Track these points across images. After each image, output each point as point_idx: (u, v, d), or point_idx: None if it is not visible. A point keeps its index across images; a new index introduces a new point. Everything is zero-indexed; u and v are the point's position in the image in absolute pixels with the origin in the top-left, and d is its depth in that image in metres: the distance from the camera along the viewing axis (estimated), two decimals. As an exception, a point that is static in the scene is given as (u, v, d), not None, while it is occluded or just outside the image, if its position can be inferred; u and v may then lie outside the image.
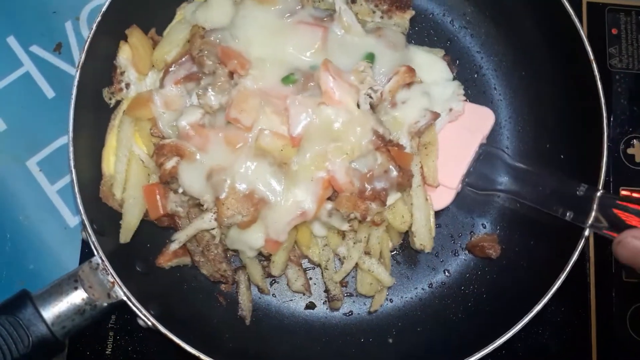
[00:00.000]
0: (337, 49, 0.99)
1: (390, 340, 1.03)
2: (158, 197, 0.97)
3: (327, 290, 1.02)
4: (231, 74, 0.95)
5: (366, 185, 0.91)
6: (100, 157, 1.00)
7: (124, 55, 1.03)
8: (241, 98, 0.92)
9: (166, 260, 1.00)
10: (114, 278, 0.88)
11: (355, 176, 0.91)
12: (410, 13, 1.09)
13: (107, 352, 1.05)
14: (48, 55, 1.20)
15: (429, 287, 1.07)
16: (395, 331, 1.03)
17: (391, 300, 1.06)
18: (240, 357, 0.97)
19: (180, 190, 0.95)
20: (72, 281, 0.87)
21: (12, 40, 1.20)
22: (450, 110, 1.03)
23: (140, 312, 0.88)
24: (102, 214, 0.97)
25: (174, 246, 0.98)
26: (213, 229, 0.97)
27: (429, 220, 1.00)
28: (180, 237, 0.97)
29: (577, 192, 0.89)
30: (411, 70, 0.98)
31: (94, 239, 0.89)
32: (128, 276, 0.90)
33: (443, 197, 1.03)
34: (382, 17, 1.09)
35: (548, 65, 1.06)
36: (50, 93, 1.19)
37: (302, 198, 0.91)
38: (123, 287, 0.88)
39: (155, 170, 0.99)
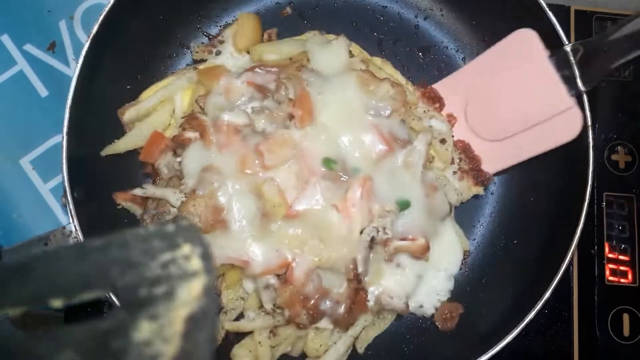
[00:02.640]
0: (387, 172, 0.95)
1: None
2: (159, 148, 0.98)
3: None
4: (291, 116, 0.94)
5: (315, 297, 0.90)
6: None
7: (232, 30, 1.07)
8: (280, 140, 0.92)
9: (123, 197, 0.99)
10: None
11: (313, 282, 0.90)
12: (478, 190, 1.06)
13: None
14: (42, 54, 1.21)
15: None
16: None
17: None
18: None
19: (179, 160, 0.96)
20: (41, 244, 0.88)
21: (6, 39, 1.20)
22: (420, 307, 1.00)
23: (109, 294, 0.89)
24: (86, 185, 0.97)
25: (137, 191, 0.97)
26: (174, 207, 0.97)
27: None
28: (148, 190, 0.97)
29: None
30: (425, 250, 0.95)
31: (72, 206, 0.90)
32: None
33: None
34: (454, 173, 1.05)
35: None
36: (43, 92, 1.19)
37: (257, 253, 0.90)
38: None
39: (173, 127, 1.01)
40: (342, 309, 0.91)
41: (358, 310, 0.94)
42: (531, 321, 0.92)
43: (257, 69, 0.99)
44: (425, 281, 1.00)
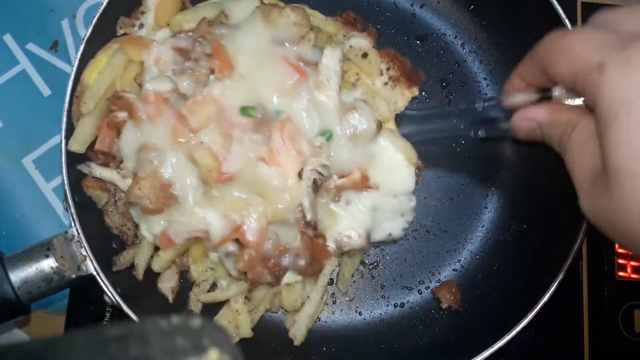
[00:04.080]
0: (306, 103, 0.89)
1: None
2: (111, 132, 0.95)
3: (187, 306, 0.99)
4: (212, 71, 0.91)
5: (273, 255, 0.88)
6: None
7: (153, 3, 1.03)
8: (200, 100, 0.88)
9: (90, 185, 0.96)
10: (87, 252, 0.88)
11: (270, 241, 0.87)
12: (413, 92, 1.03)
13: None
14: (44, 53, 1.21)
15: (400, 306, 1.05)
16: (360, 345, 1.03)
17: (360, 313, 1.05)
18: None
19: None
20: (44, 249, 0.87)
21: (8, 38, 1.21)
22: (389, 235, 0.97)
23: (108, 288, 0.88)
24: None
25: (83, 167, 0.95)
26: (122, 192, 0.95)
27: (313, 318, 0.98)
28: (94, 170, 0.95)
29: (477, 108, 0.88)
30: (365, 181, 0.90)
31: (73, 210, 0.89)
32: (101, 253, 0.91)
33: None
34: (385, 83, 1.02)
35: None
36: (46, 91, 1.19)
37: (211, 221, 0.88)
38: (94, 262, 0.88)
39: None
40: (302, 261, 0.89)
41: (321, 257, 0.92)
42: (541, 317, 0.90)
43: (179, 35, 0.96)
44: (383, 209, 0.95)
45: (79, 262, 0.88)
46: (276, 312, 1.03)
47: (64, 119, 0.94)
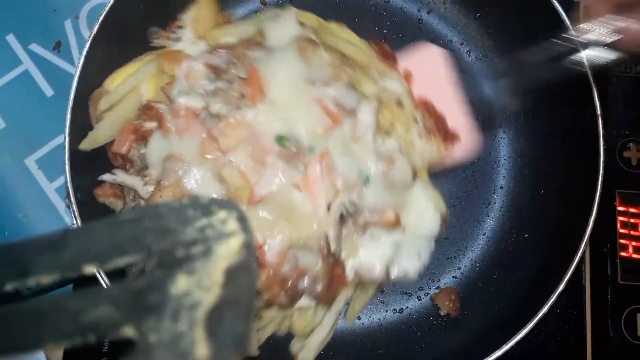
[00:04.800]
0: (340, 144, 0.91)
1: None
2: (131, 139, 0.95)
3: None
4: (243, 95, 0.91)
5: (292, 277, 0.88)
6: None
7: (191, 15, 1.04)
8: (233, 123, 0.89)
9: (103, 193, 0.97)
10: None
11: (288, 263, 0.87)
12: (447, 150, 1.01)
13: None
14: (47, 54, 1.21)
15: (399, 312, 1.05)
16: (358, 350, 1.02)
17: (359, 318, 1.04)
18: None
19: (143, 150, 0.94)
20: None
21: (11, 39, 1.20)
22: (405, 274, 0.97)
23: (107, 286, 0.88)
24: (88, 186, 0.97)
25: (106, 176, 0.95)
26: (142, 199, 0.95)
27: (322, 344, 0.97)
28: (118, 177, 0.95)
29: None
30: (395, 222, 0.92)
31: (75, 207, 0.90)
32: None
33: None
34: (420, 135, 0.99)
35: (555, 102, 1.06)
36: (49, 91, 1.19)
37: None
38: None
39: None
40: (320, 286, 0.89)
41: (337, 285, 0.92)
42: (544, 321, 0.90)
43: (215, 51, 0.96)
44: (404, 248, 0.96)
45: None
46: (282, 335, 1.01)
47: (67, 119, 0.93)
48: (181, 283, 0.39)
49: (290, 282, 0.88)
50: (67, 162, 0.92)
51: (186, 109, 0.90)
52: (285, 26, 0.98)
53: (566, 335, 1.08)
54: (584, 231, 0.93)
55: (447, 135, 1.01)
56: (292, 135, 0.90)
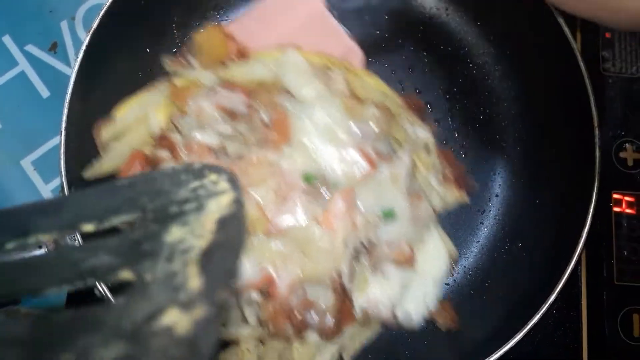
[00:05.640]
0: (371, 185, 0.91)
1: None
2: (139, 167, 0.95)
3: None
4: (265, 140, 0.90)
5: (300, 310, 0.87)
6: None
7: (196, 40, 1.02)
8: (255, 164, 0.88)
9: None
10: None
11: (297, 296, 0.86)
12: (463, 197, 1.04)
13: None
14: (43, 55, 1.20)
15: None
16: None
17: None
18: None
19: None
20: (36, 246, 0.86)
21: (7, 40, 1.20)
22: (409, 317, 0.96)
23: (100, 285, 0.87)
24: (85, 186, 0.96)
25: None
26: None
27: None
28: None
29: None
30: (411, 259, 0.92)
31: None
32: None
33: None
34: (438, 178, 1.02)
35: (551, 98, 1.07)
36: (45, 92, 1.19)
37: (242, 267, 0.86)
38: None
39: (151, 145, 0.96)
40: (329, 321, 0.88)
41: (345, 321, 0.91)
42: (539, 322, 0.90)
43: (223, 92, 0.93)
44: (411, 290, 0.96)
45: None
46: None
47: (64, 121, 0.93)
48: (175, 233, 0.42)
49: (298, 314, 0.87)
50: (62, 166, 0.92)
51: (199, 145, 0.89)
52: (305, 75, 0.97)
53: (562, 336, 1.08)
54: (580, 235, 0.93)
55: (461, 183, 1.04)
56: (319, 173, 0.90)
